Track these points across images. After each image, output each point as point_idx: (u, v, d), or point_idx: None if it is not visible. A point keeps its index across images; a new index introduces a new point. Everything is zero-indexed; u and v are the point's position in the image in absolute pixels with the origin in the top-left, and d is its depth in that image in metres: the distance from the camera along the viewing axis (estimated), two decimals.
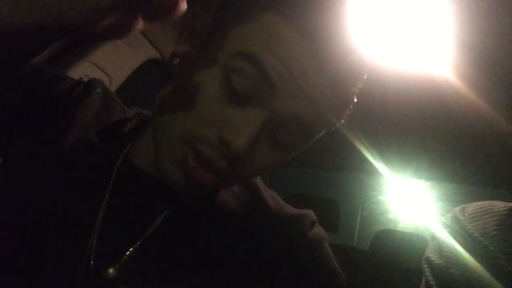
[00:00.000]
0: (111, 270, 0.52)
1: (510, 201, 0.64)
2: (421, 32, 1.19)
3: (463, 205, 0.66)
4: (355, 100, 0.59)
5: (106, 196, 0.58)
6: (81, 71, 1.19)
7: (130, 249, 0.55)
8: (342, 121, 0.61)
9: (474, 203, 0.66)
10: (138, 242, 0.56)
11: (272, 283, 0.58)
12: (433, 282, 0.59)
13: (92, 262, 0.53)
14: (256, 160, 0.52)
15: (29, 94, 0.66)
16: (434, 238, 0.66)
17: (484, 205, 0.64)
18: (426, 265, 0.63)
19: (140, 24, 0.42)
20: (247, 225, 0.62)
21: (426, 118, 1.66)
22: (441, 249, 0.62)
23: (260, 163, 0.53)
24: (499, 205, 0.63)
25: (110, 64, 1.25)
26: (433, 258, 0.62)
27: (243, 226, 0.61)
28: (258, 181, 0.69)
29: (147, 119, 0.68)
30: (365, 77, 0.57)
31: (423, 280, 0.62)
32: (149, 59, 1.38)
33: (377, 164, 1.96)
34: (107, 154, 0.62)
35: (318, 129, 0.54)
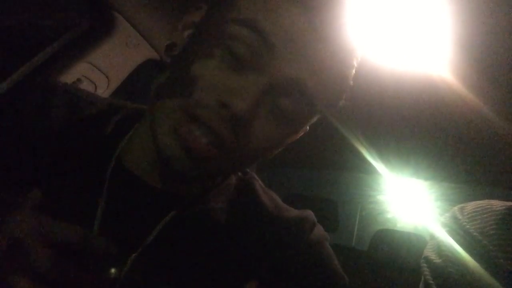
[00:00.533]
0: (112, 271, 0.51)
1: (508, 200, 0.64)
2: (418, 31, 1.19)
3: (462, 205, 0.66)
4: (351, 83, 0.60)
5: (100, 206, 0.54)
6: (79, 71, 1.18)
7: (129, 259, 0.53)
8: (340, 104, 0.61)
9: (473, 202, 0.66)
10: (138, 251, 0.53)
11: (274, 286, 0.58)
12: (432, 282, 0.59)
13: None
14: (258, 130, 0.50)
15: None
16: (433, 237, 0.66)
17: (482, 204, 0.64)
18: (425, 265, 0.63)
19: None
20: (246, 232, 0.61)
21: (424, 118, 1.66)
22: (440, 249, 0.62)
23: (263, 134, 0.51)
24: (497, 204, 0.63)
25: (108, 65, 1.25)
26: (432, 258, 0.62)
27: (242, 233, 0.60)
28: (257, 183, 0.68)
29: (136, 113, 0.65)
30: (359, 58, 0.58)
31: (422, 279, 0.62)
32: (147, 59, 1.38)
33: (376, 163, 1.96)
34: (95, 161, 0.57)
35: (321, 99, 0.53)
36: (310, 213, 0.67)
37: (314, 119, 0.60)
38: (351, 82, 0.59)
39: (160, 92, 0.53)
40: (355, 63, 0.57)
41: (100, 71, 1.24)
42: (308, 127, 0.63)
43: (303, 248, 0.62)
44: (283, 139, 0.56)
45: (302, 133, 0.64)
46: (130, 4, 1.23)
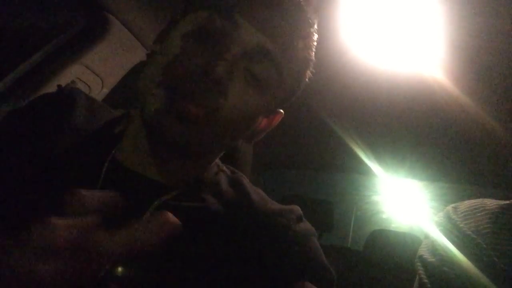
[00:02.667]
0: (120, 269, 0.51)
1: (502, 199, 0.65)
2: (412, 33, 1.20)
3: (456, 204, 0.67)
4: (312, 59, 0.67)
5: None
6: (73, 73, 1.18)
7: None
8: (307, 77, 0.68)
9: (467, 202, 0.66)
10: None
11: (261, 278, 0.58)
12: (426, 280, 0.59)
13: None
14: (235, 93, 0.56)
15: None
16: (427, 236, 0.66)
17: (476, 203, 0.64)
18: (419, 264, 0.63)
19: None
20: (233, 223, 0.62)
21: (418, 118, 1.66)
22: (434, 248, 0.62)
23: (240, 97, 0.57)
24: (491, 203, 0.63)
25: (102, 67, 1.25)
26: (427, 257, 0.62)
27: (229, 223, 0.62)
28: (245, 179, 0.72)
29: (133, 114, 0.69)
30: (315, 27, 0.65)
31: (417, 278, 0.62)
32: (141, 60, 1.38)
33: (371, 164, 1.97)
34: (95, 158, 0.62)
35: (286, 63, 0.60)
36: (296, 207, 0.70)
37: (286, 92, 0.66)
38: (313, 52, 0.67)
39: (145, 80, 0.59)
40: (314, 32, 0.65)
41: (94, 73, 1.24)
42: (282, 111, 0.70)
43: (289, 239, 0.63)
44: (258, 106, 0.61)
45: (278, 116, 0.70)
46: (123, 6, 1.23)
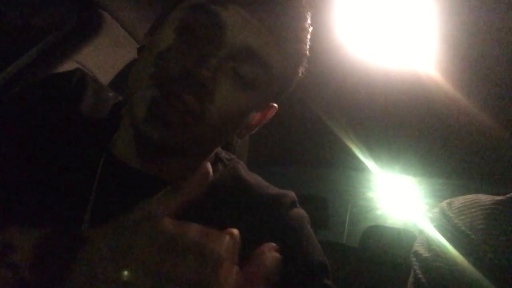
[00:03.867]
0: (125, 273, 0.51)
1: (496, 195, 0.65)
2: (405, 29, 1.20)
3: (450, 199, 0.67)
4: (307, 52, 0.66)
5: (92, 194, 0.58)
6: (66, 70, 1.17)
7: None
8: (300, 70, 0.67)
9: (461, 197, 0.66)
10: None
11: None
12: (421, 275, 0.59)
13: None
14: (222, 96, 0.56)
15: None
16: (422, 232, 0.66)
17: (470, 199, 0.64)
18: (414, 259, 0.63)
19: None
20: (229, 206, 0.63)
21: (412, 115, 1.67)
22: (428, 243, 0.62)
23: (227, 99, 0.56)
24: (485, 199, 0.64)
25: (96, 64, 1.24)
26: (421, 252, 0.62)
27: (225, 207, 0.63)
28: (241, 165, 0.72)
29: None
30: (309, 19, 0.63)
31: (412, 273, 0.63)
32: (135, 58, 1.37)
33: (366, 160, 1.97)
34: (96, 147, 0.62)
35: (275, 61, 0.59)
36: (291, 192, 0.71)
37: (278, 88, 0.65)
38: (307, 45, 0.66)
39: (134, 77, 0.58)
40: (307, 25, 0.63)
41: (88, 70, 1.23)
42: (276, 105, 0.69)
43: (284, 223, 0.64)
44: (247, 105, 0.60)
45: (272, 109, 0.69)
46: (117, 3, 1.22)
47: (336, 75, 1.47)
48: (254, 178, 0.71)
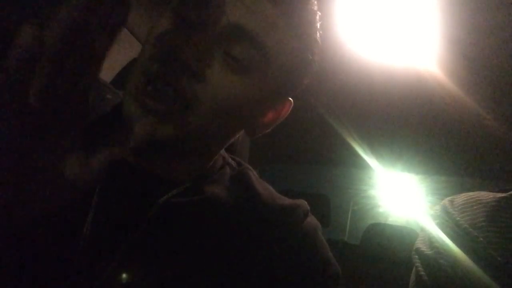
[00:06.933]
0: (124, 276, 0.50)
1: (497, 192, 0.65)
2: (407, 27, 1.20)
3: (452, 197, 0.67)
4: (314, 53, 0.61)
5: (95, 194, 0.55)
6: None
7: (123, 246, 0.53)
8: (311, 60, 0.61)
9: (463, 194, 0.66)
10: (130, 237, 0.54)
11: (267, 274, 0.58)
12: (423, 273, 0.59)
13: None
14: (216, 80, 0.52)
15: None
16: (424, 229, 0.66)
17: (472, 196, 0.64)
18: (416, 256, 0.63)
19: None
20: (240, 218, 0.61)
21: (414, 112, 1.67)
22: (431, 241, 0.62)
23: (222, 85, 0.52)
24: (487, 196, 0.63)
25: None
26: (423, 249, 0.62)
27: (236, 219, 0.61)
28: (251, 172, 0.69)
29: None
30: (318, 14, 0.59)
31: (414, 270, 0.63)
32: (136, 57, 1.37)
33: (367, 158, 1.97)
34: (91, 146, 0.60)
35: (273, 42, 0.54)
36: (303, 202, 0.68)
37: (284, 76, 0.59)
38: (318, 42, 0.61)
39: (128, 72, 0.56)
40: (314, 8, 0.59)
41: None
42: (291, 100, 0.65)
43: (297, 236, 0.62)
44: (245, 92, 0.55)
45: (287, 105, 0.65)
46: None
47: (338, 73, 1.47)
48: (265, 188, 0.67)
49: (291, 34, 0.56)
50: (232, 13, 0.51)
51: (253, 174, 0.69)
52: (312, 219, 0.66)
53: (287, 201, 0.67)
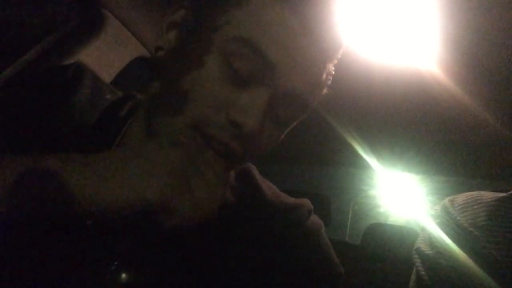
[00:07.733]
0: (123, 276, 0.50)
1: (498, 192, 0.65)
2: (408, 27, 1.19)
3: (452, 196, 0.67)
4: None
5: None
6: None
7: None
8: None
9: (463, 194, 0.66)
10: (131, 237, 0.54)
11: (271, 273, 0.58)
12: (423, 272, 0.59)
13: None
14: (262, 137, 0.54)
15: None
16: (424, 229, 0.66)
17: (473, 196, 0.64)
18: (416, 256, 0.63)
19: None
20: (244, 216, 0.61)
21: (415, 113, 1.67)
22: (431, 240, 0.62)
23: (265, 140, 0.55)
24: (488, 196, 0.63)
25: (97, 63, 1.24)
26: (424, 249, 0.62)
27: (240, 216, 0.61)
28: (254, 170, 0.70)
29: (139, 103, 0.66)
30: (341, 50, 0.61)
31: (414, 270, 0.63)
32: (137, 57, 1.37)
33: (368, 158, 1.97)
34: (99, 141, 0.59)
35: (312, 102, 0.57)
36: (307, 201, 0.69)
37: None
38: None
39: (156, 103, 0.54)
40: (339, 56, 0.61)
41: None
42: None
43: (301, 234, 0.63)
44: (278, 138, 0.59)
45: None
46: (119, 1, 1.22)
47: (339, 73, 1.47)
48: (269, 187, 0.69)
49: (323, 86, 0.59)
50: (289, 77, 0.51)
51: (257, 172, 0.70)
52: (315, 218, 0.67)
53: (291, 200, 0.68)
